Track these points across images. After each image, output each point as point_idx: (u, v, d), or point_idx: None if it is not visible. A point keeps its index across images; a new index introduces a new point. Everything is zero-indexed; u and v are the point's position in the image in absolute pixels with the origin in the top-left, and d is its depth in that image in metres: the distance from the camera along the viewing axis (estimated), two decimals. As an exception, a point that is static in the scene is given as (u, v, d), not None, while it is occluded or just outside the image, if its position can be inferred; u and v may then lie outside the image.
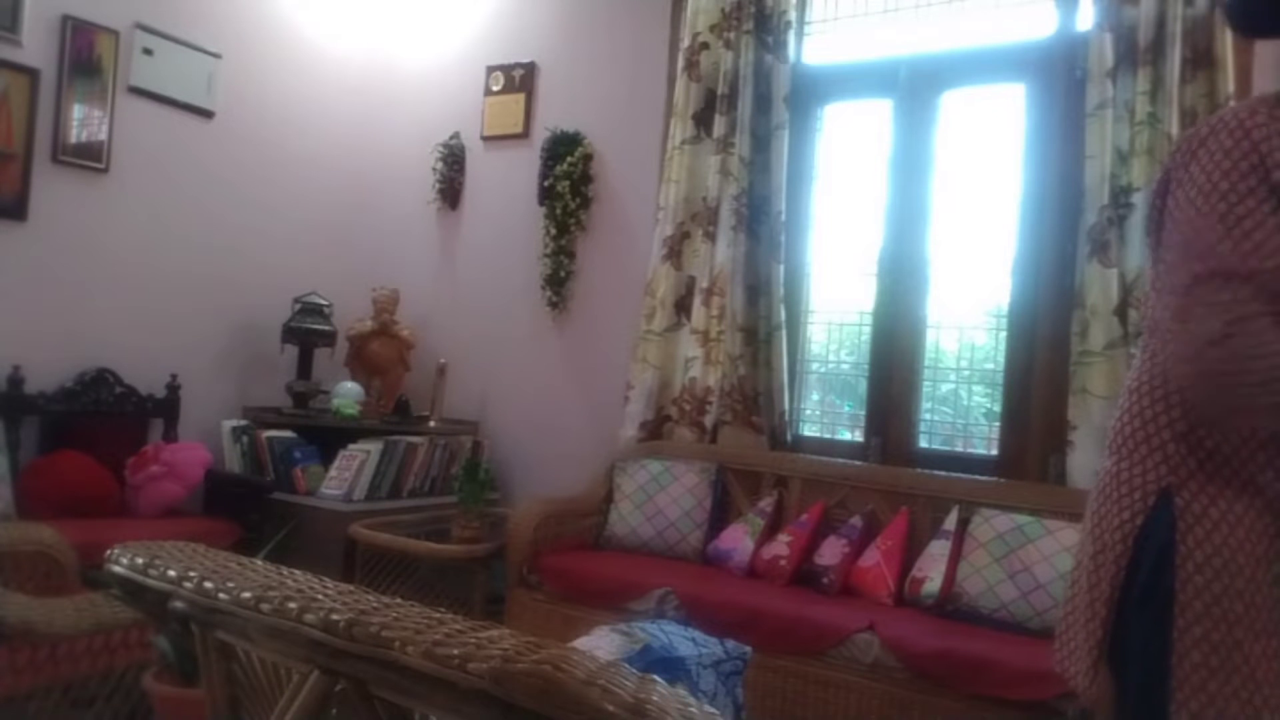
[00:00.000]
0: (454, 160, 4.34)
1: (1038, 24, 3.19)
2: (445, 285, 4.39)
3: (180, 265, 3.77)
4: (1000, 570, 2.65)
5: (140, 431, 3.57)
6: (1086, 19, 3.03)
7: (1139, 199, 2.84)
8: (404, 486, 3.74)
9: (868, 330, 3.45)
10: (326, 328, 4.00)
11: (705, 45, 3.61)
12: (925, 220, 3.36)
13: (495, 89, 4.27)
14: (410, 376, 4.22)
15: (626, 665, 0.85)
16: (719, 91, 3.56)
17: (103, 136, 3.48)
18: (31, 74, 3.25)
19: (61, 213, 3.39)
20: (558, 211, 3.95)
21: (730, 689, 2.07)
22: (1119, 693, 1.30)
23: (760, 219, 3.52)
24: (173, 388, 3.66)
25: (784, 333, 3.44)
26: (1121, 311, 2.84)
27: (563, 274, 3.99)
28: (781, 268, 3.45)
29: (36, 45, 3.27)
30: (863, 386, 3.46)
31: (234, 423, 3.73)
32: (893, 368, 3.37)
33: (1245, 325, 1.11)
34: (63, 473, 3.16)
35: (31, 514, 2.89)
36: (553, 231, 3.98)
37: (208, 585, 1.02)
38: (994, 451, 3.20)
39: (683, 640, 2.08)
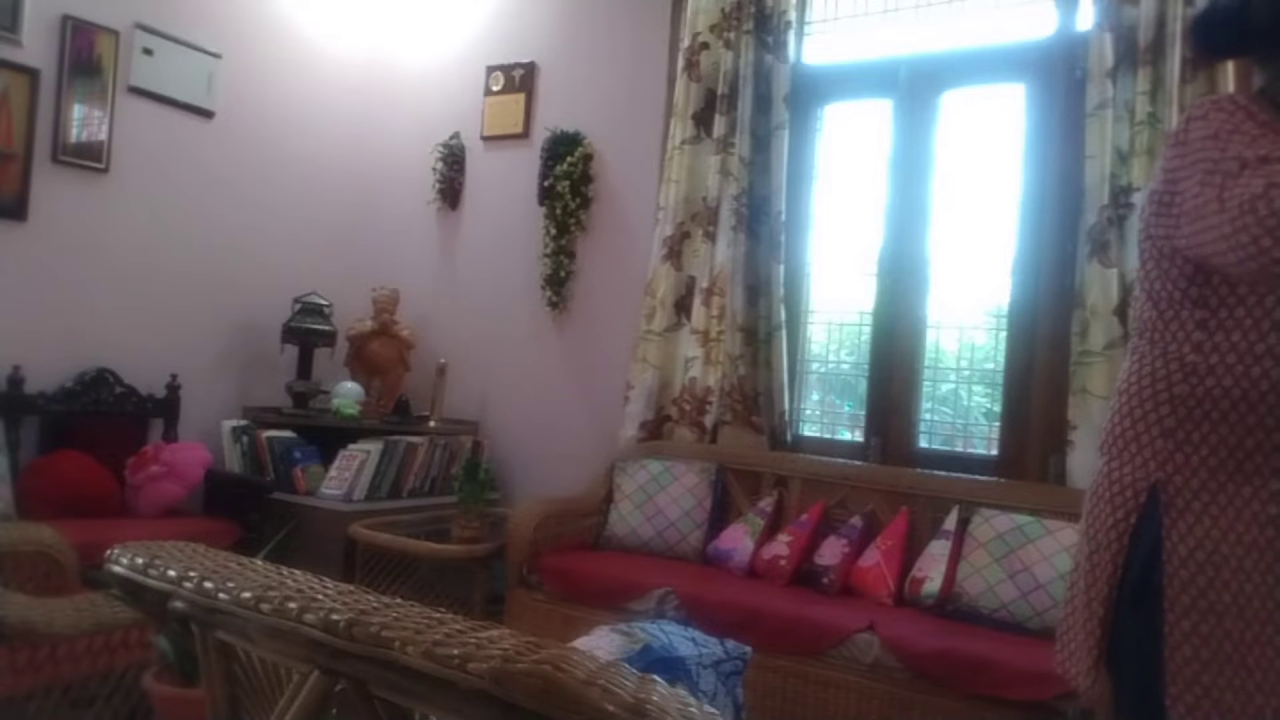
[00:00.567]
0: (454, 160, 4.34)
1: (1038, 24, 3.19)
2: (445, 285, 4.39)
3: (180, 265, 3.77)
4: (1000, 570, 2.65)
5: (140, 431, 3.57)
6: (1086, 19, 3.03)
7: (1139, 199, 2.84)
8: (404, 486, 3.74)
9: (868, 330, 3.45)
10: (326, 328, 4.00)
11: (705, 45, 3.61)
12: (925, 220, 3.36)
13: (495, 89, 4.27)
14: (410, 376, 4.22)
15: (626, 665, 0.85)
16: (719, 91, 3.56)
17: (103, 136, 3.48)
18: (31, 74, 3.25)
19: (61, 213, 3.39)
20: (558, 211, 3.96)
21: (730, 689, 2.07)
22: (1116, 691, 1.31)
23: (760, 219, 3.52)
24: (173, 388, 3.66)
25: (784, 333, 3.44)
26: (1121, 311, 2.84)
27: (563, 274, 3.99)
28: (781, 268, 3.45)
29: (36, 45, 3.27)
30: (863, 386, 3.46)
31: (234, 423, 3.73)
32: (893, 368, 3.37)
33: None
34: (63, 473, 3.16)
35: (31, 514, 2.89)
36: (553, 231, 3.98)
37: (208, 585, 1.02)
38: (994, 451, 3.20)
39: (683, 640, 2.08)
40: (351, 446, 3.65)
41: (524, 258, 4.11)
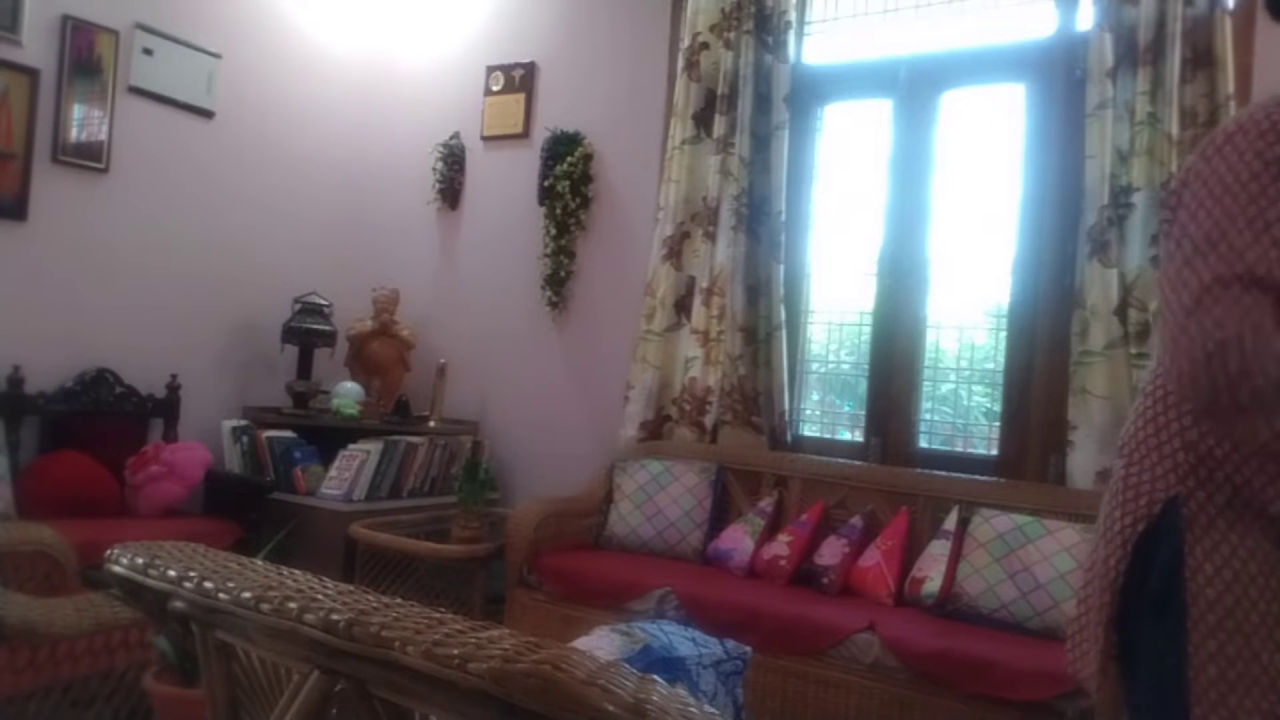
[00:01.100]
0: (454, 160, 4.34)
1: (1038, 24, 3.19)
2: (445, 285, 4.39)
3: (180, 265, 3.77)
4: (1000, 570, 2.65)
5: (140, 431, 3.57)
6: (1086, 19, 3.03)
7: (1139, 199, 2.84)
8: (404, 486, 3.75)
9: (868, 330, 3.45)
10: (326, 328, 4.00)
11: (705, 45, 3.61)
12: (925, 220, 3.36)
13: (495, 89, 4.27)
14: (410, 376, 4.22)
15: (626, 665, 0.85)
16: (719, 91, 3.56)
17: (103, 136, 3.49)
18: (31, 74, 3.25)
19: (61, 213, 3.39)
20: (558, 211, 3.96)
21: (730, 689, 2.07)
22: (1132, 700, 1.28)
23: (760, 219, 3.52)
24: (173, 388, 3.66)
25: (784, 333, 3.44)
26: (1121, 311, 2.84)
27: (563, 274, 3.99)
28: (781, 268, 3.45)
29: (36, 45, 3.27)
30: (863, 386, 3.46)
31: (234, 423, 3.73)
32: (893, 368, 3.37)
33: (1262, 328, 1.07)
34: (63, 473, 3.16)
35: (31, 514, 2.90)
36: (553, 231, 3.98)
37: (208, 585, 1.02)
38: (994, 451, 3.20)
39: (683, 640, 2.08)
40: (351, 446, 3.66)
41: (524, 258, 4.11)
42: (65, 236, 3.40)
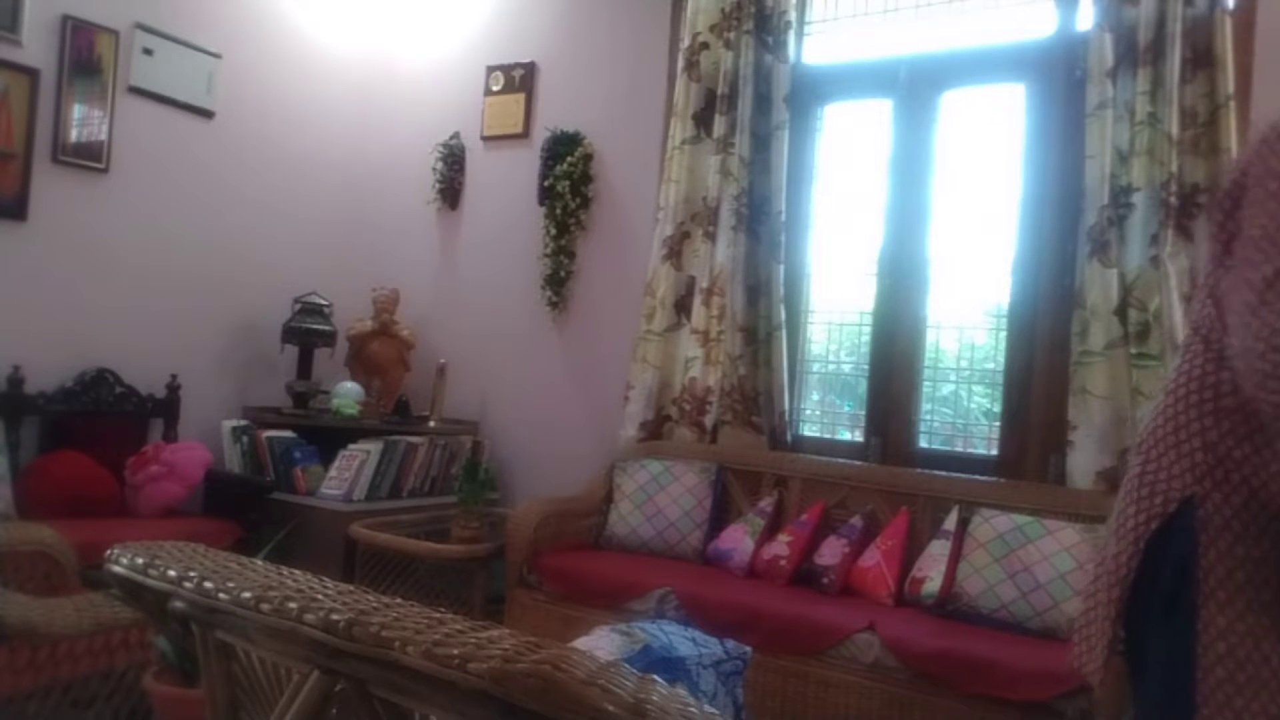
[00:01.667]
0: (454, 160, 4.34)
1: (1038, 24, 3.19)
2: (445, 285, 4.39)
3: (180, 265, 3.77)
4: (1000, 570, 2.65)
5: (140, 431, 3.57)
6: (1086, 19, 3.03)
7: (1139, 199, 2.84)
8: (404, 486, 3.75)
9: (868, 330, 3.45)
10: (326, 328, 4.00)
11: (705, 45, 3.61)
12: (925, 220, 3.36)
13: (495, 89, 4.27)
14: (410, 376, 4.22)
15: (626, 665, 0.85)
16: (719, 91, 3.56)
17: (103, 136, 3.48)
18: (31, 74, 3.25)
19: (61, 213, 3.39)
20: (558, 211, 3.96)
21: (730, 689, 2.07)
22: (1138, 700, 1.28)
23: (760, 219, 3.52)
24: (173, 388, 3.66)
25: (784, 333, 3.44)
26: (1121, 311, 2.84)
27: (563, 274, 3.99)
28: (781, 268, 3.45)
29: (36, 45, 3.27)
30: (863, 386, 3.46)
31: (234, 423, 3.73)
32: (893, 368, 3.37)
33: None
34: (63, 473, 3.16)
35: (31, 514, 2.90)
36: (553, 231, 3.98)
37: (208, 585, 1.02)
38: (994, 451, 3.20)
39: (683, 640, 2.08)
40: (351, 446, 3.66)
41: (524, 258, 4.11)
42: (65, 236, 3.40)
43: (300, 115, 4.23)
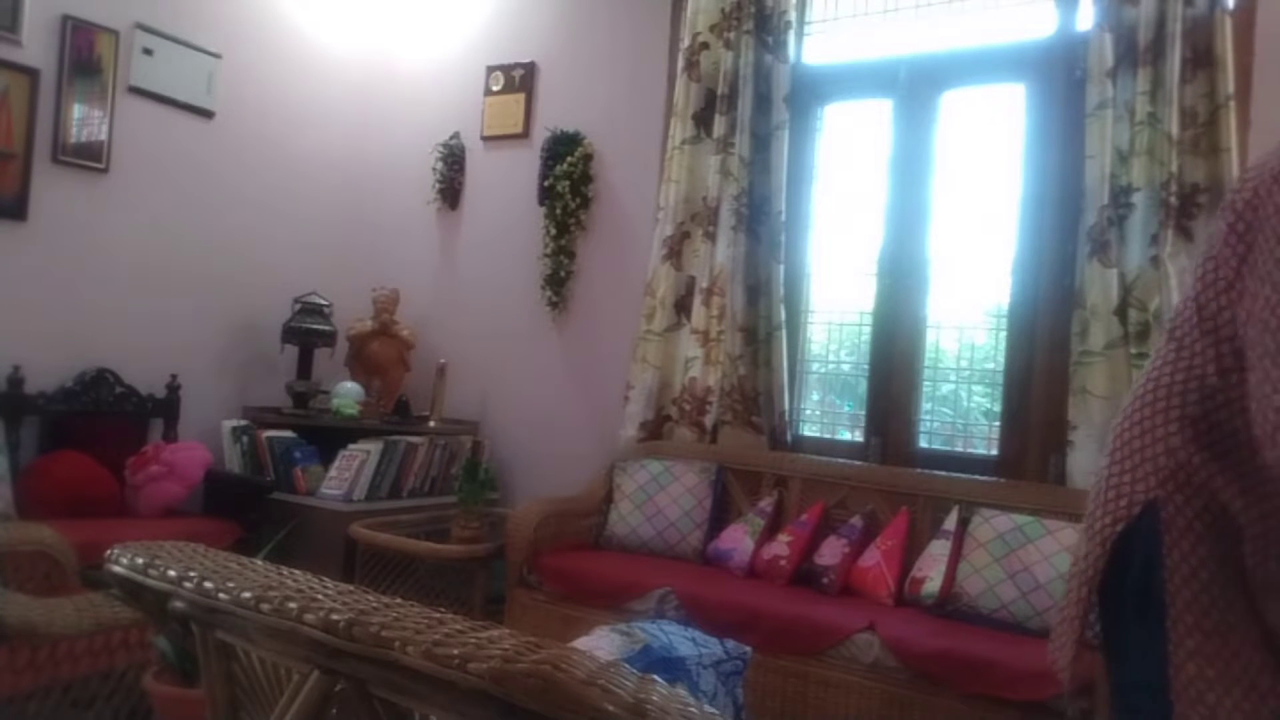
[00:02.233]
0: (454, 160, 4.34)
1: (1038, 24, 3.19)
2: (445, 285, 4.39)
3: (180, 265, 3.77)
4: (1000, 570, 2.65)
5: (140, 431, 3.57)
6: (1086, 19, 3.03)
7: (1139, 199, 2.84)
8: (404, 486, 3.75)
9: (868, 330, 3.45)
10: (326, 328, 4.00)
11: (705, 45, 3.61)
12: (925, 220, 3.36)
13: (495, 89, 4.27)
14: (410, 376, 4.22)
15: (626, 665, 0.85)
16: (719, 91, 3.56)
17: (103, 136, 3.48)
18: (31, 74, 3.25)
19: (61, 213, 3.39)
20: (558, 211, 3.96)
21: (730, 689, 2.07)
22: (1117, 700, 1.30)
23: (760, 219, 3.52)
24: (173, 388, 3.66)
25: (784, 333, 3.44)
26: (1121, 311, 2.84)
27: (563, 274, 3.99)
28: (781, 268, 3.45)
29: (36, 45, 3.27)
30: (863, 386, 3.46)
31: (234, 423, 3.73)
32: (893, 368, 3.37)
33: None
34: (63, 473, 3.16)
35: (31, 514, 2.90)
36: (553, 231, 3.98)
37: (208, 585, 1.02)
38: (994, 451, 3.20)
39: (683, 640, 2.08)
40: (351, 446, 3.66)
41: (524, 258, 4.11)
42: (65, 236, 3.40)
43: (300, 115, 4.23)
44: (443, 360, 4.07)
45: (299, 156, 4.23)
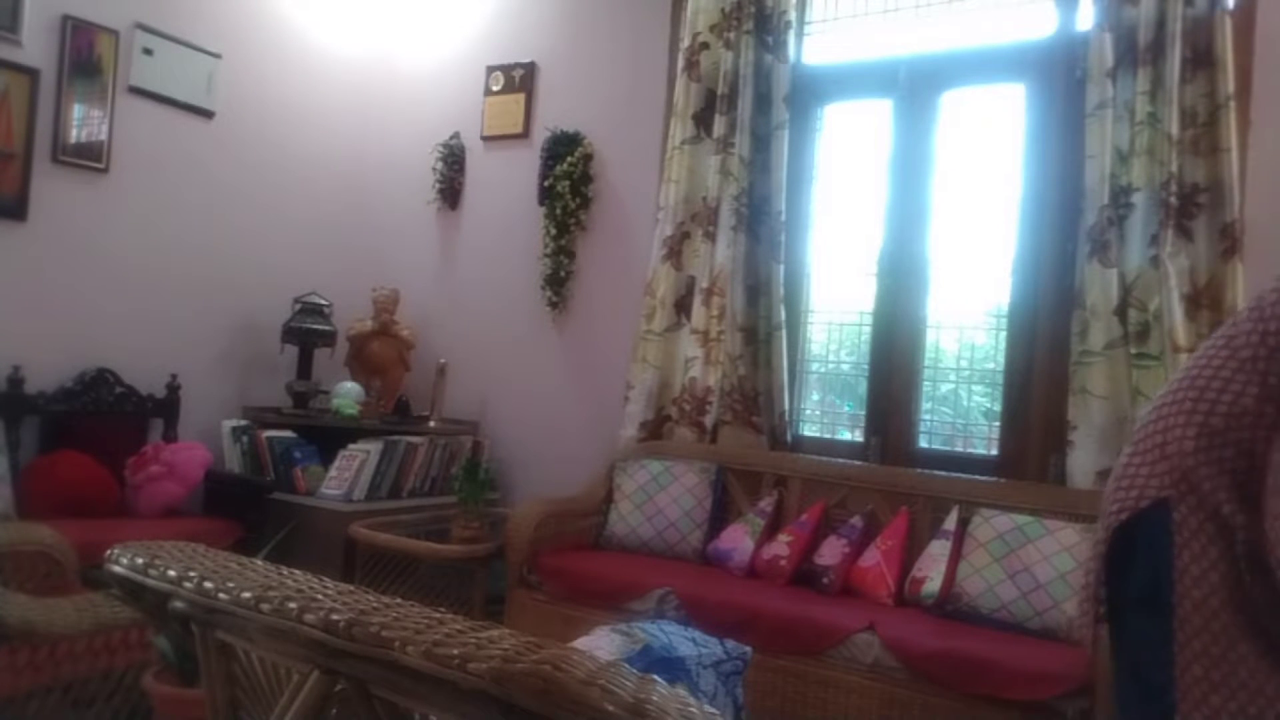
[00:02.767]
0: (454, 160, 4.34)
1: (1038, 24, 3.19)
2: (445, 285, 4.39)
3: (180, 265, 3.77)
4: (1000, 570, 2.65)
5: (140, 431, 3.57)
6: (1086, 19, 3.03)
7: (1139, 199, 2.84)
8: (404, 486, 3.74)
9: (868, 330, 3.45)
10: (326, 328, 4.00)
11: (705, 45, 3.61)
12: (925, 220, 3.36)
13: (495, 89, 4.27)
14: (410, 376, 4.22)
15: (626, 665, 0.85)
16: (719, 91, 3.56)
17: (103, 136, 3.48)
18: (31, 74, 3.25)
19: (61, 213, 3.39)
20: (558, 211, 3.95)
21: (730, 689, 2.07)
22: (1121, 698, 1.31)
23: (760, 219, 3.52)
24: (173, 388, 3.66)
25: (784, 333, 3.44)
26: (1121, 311, 2.84)
27: (563, 274, 3.99)
28: (781, 268, 3.45)
29: (36, 45, 3.27)
30: (863, 386, 3.46)
31: (234, 423, 3.73)
32: (893, 368, 3.37)
33: None
34: (63, 473, 3.16)
35: (31, 514, 2.89)
36: (553, 231, 3.98)
37: (208, 585, 1.02)
38: (994, 451, 3.20)
39: (683, 640, 2.08)
40: (351, 446, 3.65)
41: (524, 258, 4.11)
42: (65, 236, 3.40)
43: (300, 115, 4.23)
44: (443, 360, 4.07)
45: (299, 156, 4.23)
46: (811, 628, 2.59)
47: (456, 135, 4.35)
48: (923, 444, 3.34)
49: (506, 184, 4.21)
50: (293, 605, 0.92)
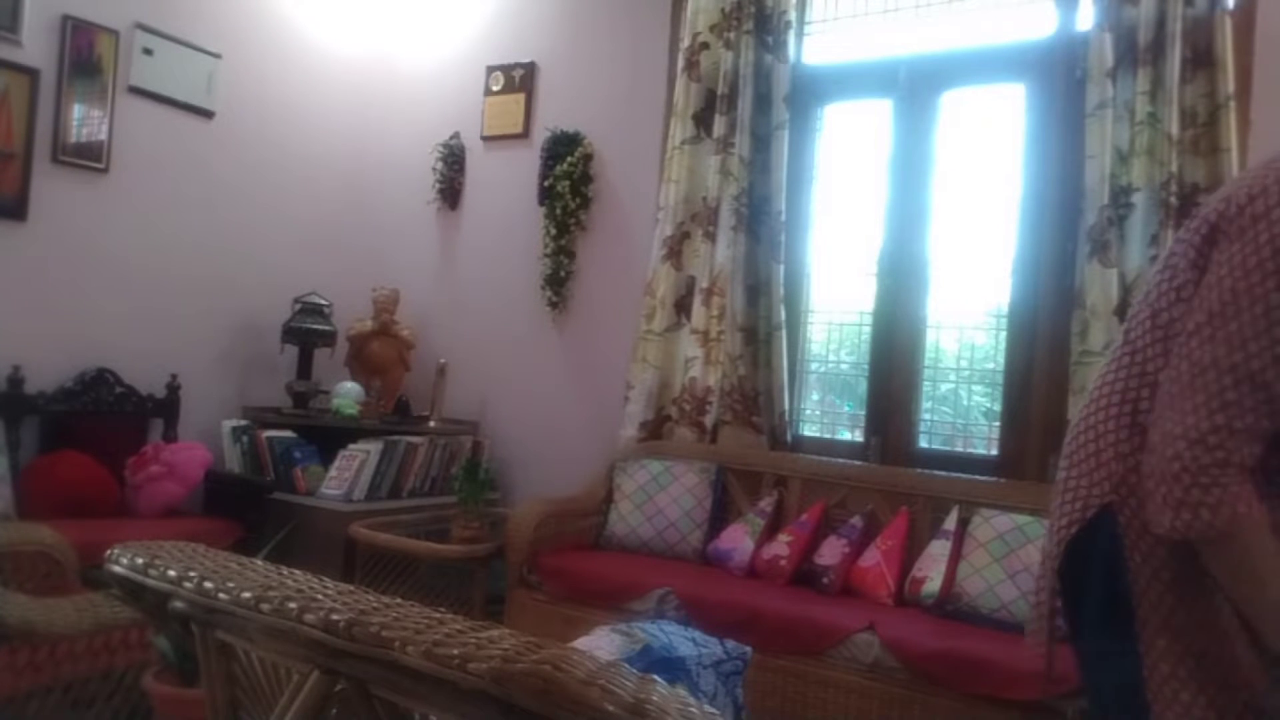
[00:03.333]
0: (454, 160, 4.34)
1: (1038, 24, 3.19)
2: (445, 285, 4.39)
3: (180, 265, 3.77)
4: (1000, 570, 2.65)
5: (140, 431, 3.56)
6: (1086, 19, 3.03)
7: (1139, 199, 2.84)
8: (404, 486, 3.74)
9: (868, 330, 3.45)
10: (326, 328, 4.00)
11: (705, 45, 3.61)
12: (925, 220, 3.36)
13: (495, 89, 4.27)
14: (410, 376, 4.22)
15: (626, 665, 0.85)
16: (719, 91, 3.56)
17: (103, 136, 3.48)
18: (31, 74, 3.25)
19: (61, 213, 3.39)
20: (558, 211, 3.96)
21: (730, 689, 2.07)
22: (1097, 706, 1.31)
23: (760, 219, 3.52)
24: (173, 388, 3.66)
25: (784, 333, 3.44)
26: (1121, 311, 2.84)
27: (563, 274, 3.99)
28: (781, 268, 3.45)
29: (36, 45, 3.27)
30: (863, 386, 3.46)
31: (234, 423, 3.73)
32: (893, 368, 3.37)
33: (1245, 528, 1.09)
34: (63, 473, 3.16)
35: (31, 514, 2.90)
36: (553, 231, 3.98)
37: (208, 585, 1.02)
38: (994, 451, 3.20)
39: (683, 640, 2.08)
40: (351, 446, 3.65)
41: (524, 258, 4.11)
42: (65, 236, 3.40)
43: (300, 115, 4.23)
44: (443, 360, 4.07)
45: (299, 156, 4.23)
46: (811, 628, 2.59)
47: (456, 135, 4.35)
48: (923, 444, 3.34)
49: (506, 184, 4.21)
50: (293, 605, 0.92)
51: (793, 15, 3.52)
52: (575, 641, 1.99)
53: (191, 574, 1.05)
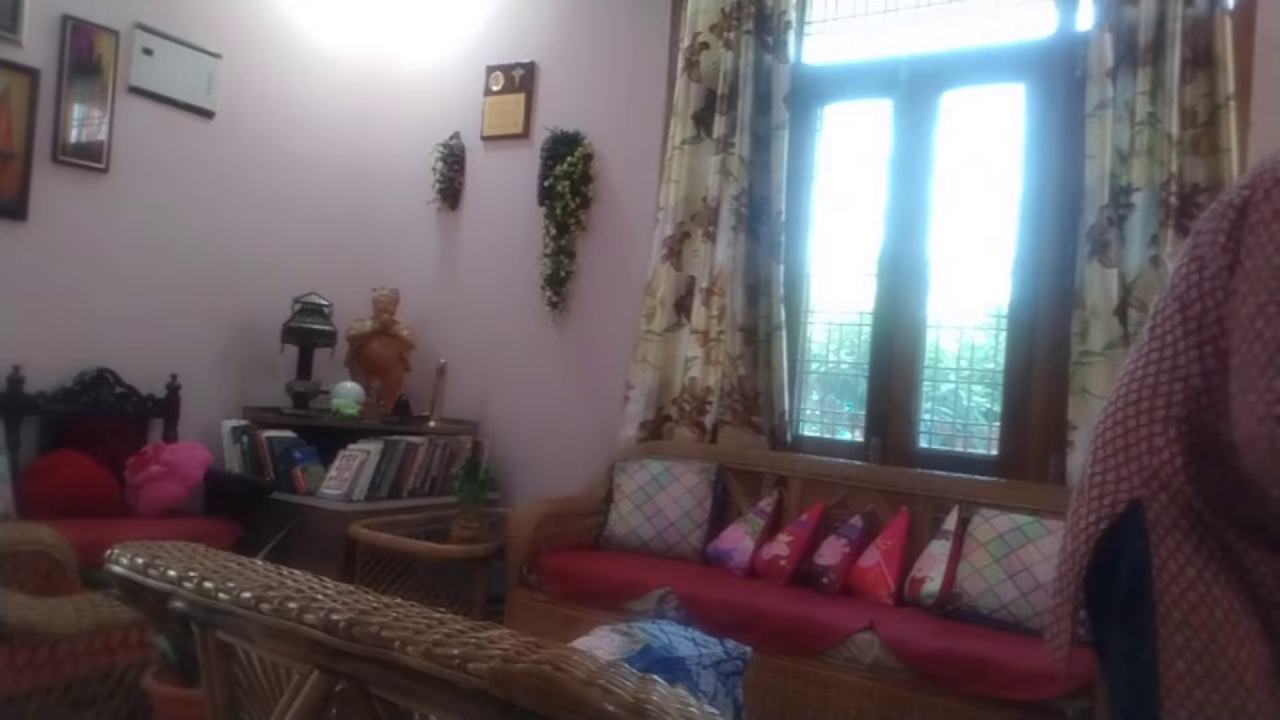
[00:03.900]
0: (454, 160, 4.34)
1: (1038, 24, 3.19)
2: (445, 285, 4.39)
3: (180, 265, 3.77)
4: (1000, 570, 2.65)
5: (140, 431, 3.57)
6: (1086, 19, 3.03)
7: (1139, 199, 2.84)
8: (404, 486, 3.74)
9: (868, 330, 3.45)
10: (326, 328, 4.00)
11: (705, 45, 3.61)
12: (925, 220, 3.36)
13: (495, 89, 4.27)
14: (410, 376, 4.22)
15: (626, 665, 0.85)
16: (719, 91, 3.56)
17: (103, 136, 3.48)
18: (31, 74, 3.25)
19: (61, 213, 3.39)
20: (558, 211, 3.96)
21: (730, 689, 2.07)
22: (1110, 699, 1.31)
23: (760, 219, 3.52)
24: (173, 388, 3.66)
25: (784, 333, 3.44)
26: (1121, 311, 2.84)
27: (563, 274, 3.99)
28: (781, 268, 3.45)
29: (36, 45, 3.27)
30: (863, 386, 3.46)
31: (234, 423, 3.72)
32: (893, 368, 3.37)
33: None
34: (63, 473, 3.16)
35: (31, 514, 2.89)
36: (553, 231, 3.98)
37: (208, 585, 1.02)
38: (994, 451, 3.20)
39: (683, 640, 2.08)
40: (351, 446, 3.65)
41: (524, 258, 4.11)
42: (65, 236, 3.40)
43: (300, 115, 4.23)
44: (443, 360, 4.07)
45: (299, 156, 4.23)
46: (811, 628, 2.59)
47: (456, 135, 4.35)
48: (923, 444, 3.34)
49: (506, 184, 4.21)
50: (293, 605, 0.92)
51: (793, 15, 3.52)
52: (575, 641, 1.99)
53: (191, 574, 1.05)
